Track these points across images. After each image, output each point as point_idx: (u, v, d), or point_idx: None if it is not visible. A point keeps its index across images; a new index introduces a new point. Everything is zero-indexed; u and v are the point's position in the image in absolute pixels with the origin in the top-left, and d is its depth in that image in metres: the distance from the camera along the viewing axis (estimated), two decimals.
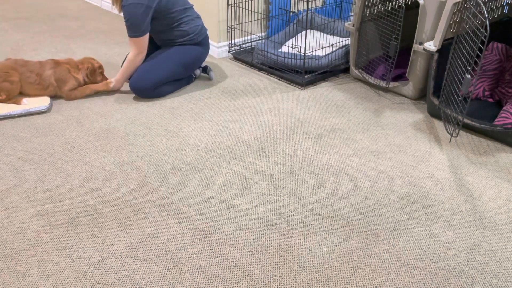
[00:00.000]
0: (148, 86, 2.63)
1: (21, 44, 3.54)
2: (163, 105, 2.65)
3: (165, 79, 2.69)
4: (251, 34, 3.47)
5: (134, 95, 2.76)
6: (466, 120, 2.35)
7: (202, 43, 2.80)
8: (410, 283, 1.52)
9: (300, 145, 2.29)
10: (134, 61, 2.65)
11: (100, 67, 2.76)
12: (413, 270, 1.57)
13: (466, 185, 2.01)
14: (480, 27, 2.10)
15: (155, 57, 2.69)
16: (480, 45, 2.11)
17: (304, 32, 3.42)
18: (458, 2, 2.36)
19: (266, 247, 1.65)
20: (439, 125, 2.52)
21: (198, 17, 2.78)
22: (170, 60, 2.69)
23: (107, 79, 2.79)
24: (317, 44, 3.32)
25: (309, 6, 3.61)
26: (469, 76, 2.10)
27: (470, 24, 2.26)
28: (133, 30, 2.54)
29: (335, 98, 2.80)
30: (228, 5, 3.22)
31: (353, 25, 2.86)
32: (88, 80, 2.73)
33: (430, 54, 2.55)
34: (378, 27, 2.94)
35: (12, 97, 2.59)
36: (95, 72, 2.73)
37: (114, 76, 3.01)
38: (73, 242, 1.65)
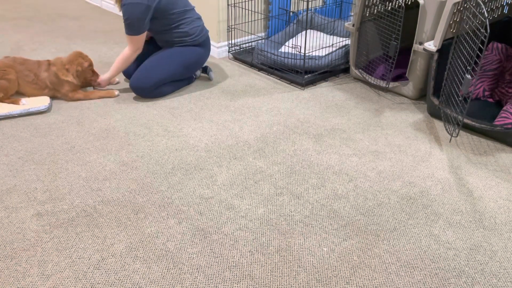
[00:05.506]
0: (148, 86, 2.63)
1: (21, 44, 3.54)
2: (163, 105, 2.65)
3: (165, 79, 2.69)
4: (251, 34, 3.47)
5: (134, 95, 2.76)
6: (466, 120, 2.35)
7: (203, 45, 2.80)
8: (410, 283, 1.52)
9: (300, 145, 2.29)
10: (129, 58, 2.66)
11: (90, 64, 2.67)
12: (413, 270, 1.57)
13: (466, 185, 2.01)
14: (480, 27, 2.10)
15: (156, 56, 2.69)
16: (480, 45, 2.11)
17: (304, 32, 3.42)
18: (458, 2, 2.36)
19: (266, 247, 1.65)
20: (439, 125, 2.52)
21: (199, 18, 2.78)
22: (171, 60, 2.69)
23: (98, 75, 2.73)
24: (317, 44, 3.31)
25: (309, 6, 3.61)
26: (469, 76, 2.10)
27: (470, 24, 2.26)
28: (131, 29, 2.54)
29: (335, 98, 2.80)
30: (228, 5, 3.22)
31: (353, 25, 2.85)
32: (79, 81, 2.66)
33: (430, 54, 2.55)
34: (378, 27, 2.94)
35: (9, 96, 2.56)
36: (84, 73, 2.66)
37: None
38: (73, 242, 1.65)
